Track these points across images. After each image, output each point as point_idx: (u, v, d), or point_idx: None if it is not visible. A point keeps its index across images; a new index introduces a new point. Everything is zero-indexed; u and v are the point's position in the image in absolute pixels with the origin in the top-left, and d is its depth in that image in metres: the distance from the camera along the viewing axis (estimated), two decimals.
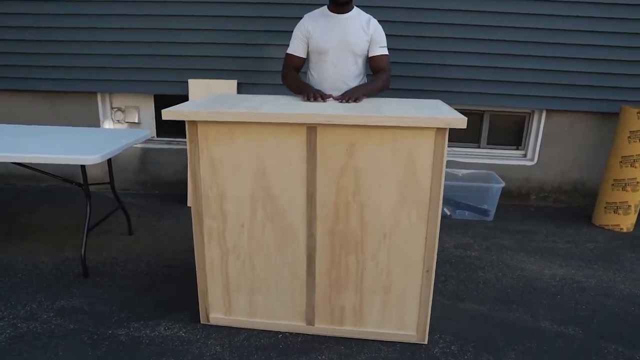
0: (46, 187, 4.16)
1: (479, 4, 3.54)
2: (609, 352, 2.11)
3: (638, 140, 3.30)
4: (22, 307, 2.34)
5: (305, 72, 2.74)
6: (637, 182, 3.38)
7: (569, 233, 3.47)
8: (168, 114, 1.91)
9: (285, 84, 2.64)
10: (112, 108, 4.12)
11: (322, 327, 2.16)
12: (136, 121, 4.11)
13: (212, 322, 2.22)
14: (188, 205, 3.81)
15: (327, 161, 1.91)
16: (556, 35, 3.57)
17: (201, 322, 2.23)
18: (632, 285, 2.72)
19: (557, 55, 3.61)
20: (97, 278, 2.64)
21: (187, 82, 3.80)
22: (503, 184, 3.59)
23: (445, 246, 3.15)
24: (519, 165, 3.99)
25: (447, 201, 3.63)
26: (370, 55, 2.58)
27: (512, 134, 4.07)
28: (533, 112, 3.94)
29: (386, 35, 2.59)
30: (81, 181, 2.67)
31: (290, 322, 2.17)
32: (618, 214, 3.49)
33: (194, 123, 1.93)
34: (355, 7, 2.58)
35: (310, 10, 2.64)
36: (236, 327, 2.20)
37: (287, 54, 2.65)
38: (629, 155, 3.35)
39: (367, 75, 2.71)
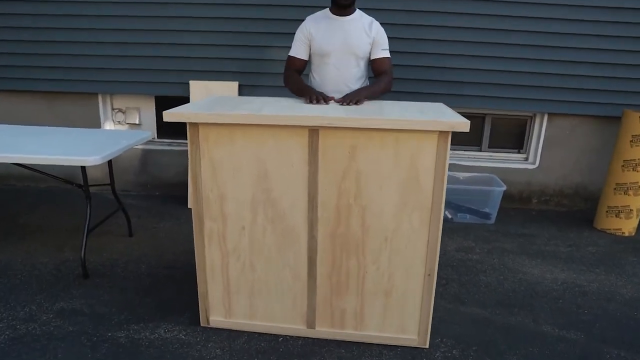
0: (46, 188, 4.15)
1: (481, 8, 3.54)
2: (611, 357, 2.10)
3: None
4: (21, 308, 2.33)
5: (307, 75, 2.73)
6: (639, 186, 3.37)
7: (570, 237, 3.46)
8: (169, 115, 1.90)
9: (287, 86, 2.63)
10: (113, 109, 4.12)
11: (323, 330, 2.14)
12: (137, 122, 4.10)
13: (212, 324, 2.21)
14: (188, 206, 3.80)
15: (329, 164, 1.91)
16: (558, 38, 3.56)
17: (201, 324, 2.22)
18: (634, 290, 2.71)
19: (559, 58, 3.61)
20: (97, 279, 2.63)
21: (188, 83, 3.79)
22: (504, 188, 3.58)
23: (446, 249, 3.14)
24: (520, 169, 3.98)
25: (448, 204, 3.62)
26: (373, 57, 2.57)
27: (513, 137, 4.07)
28: (535, 115, 3.93)
29: (388, 37, 2.59)
30: (81, 182, 2.66)
31: (290, 325, 2.16)
32: (620, 217, 3.48)
33: (195, 125, 1.93)
34: (357, 9, 2.58)
35: (312, 12, 2.64)
36: (236, 330, 2.19)
37: (289, 56, 2.65)
38: (631, 159, 3.34)
39: (369, 78, 2.70)
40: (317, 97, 2.28)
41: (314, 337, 2.15)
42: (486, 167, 3.95)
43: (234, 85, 3.77)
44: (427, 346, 2.11)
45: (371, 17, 2.58)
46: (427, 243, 1.95)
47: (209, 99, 2.35)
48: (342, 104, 2.23)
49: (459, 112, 2.05)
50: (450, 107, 2.29)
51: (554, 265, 2.98)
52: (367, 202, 1.93)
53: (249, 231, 2.04)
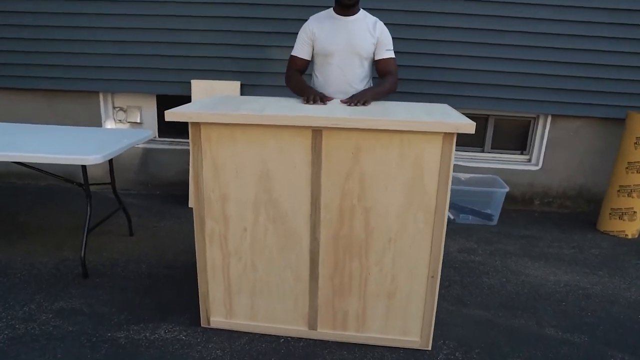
0: (46, 186, 4.13)
1: (484, 8, 3.52)
2: None
3: None
4: (20, 308, 2.31)
5: (310, 75, 2.71)
6: None
7: (573, 239, 3.44)
8: (171, 115, 1.88)
9: (288, 86, 2.61)
10: (114, 108, 4.10)
11: (325, 332, 2.13)
12: (138, 121, 4.09)
13: (213, 325, 2.19)
14: (189, 206, 3.78)
15: (332, 165, 1.89)
16: (562, 40, 3.54)
17: (202, 325, 2.20)
18: (638, 293, 2.69)
19: (563, 60, 3.59)
20: (97, 279, 2.61)
21: (189, 82, 3.77)
22: (507, 189, 3.56)
23: (449, 250, 3.12)
24: (523, 170, 3.96)
25: (450, 205, 3.59)
26: (377, 58, 2.56)
27: (516, 138, 4.05)
28: (538, 116, 3.91)
29: (391, 38, 2.57)
30: (82, 181, 2.64)
31: (292, 326, 2.14)
32: (623, 220, 3.46)
33: (197, 125, 1.91)
34: (361, 9, 2.56)
35: (313, 12, 2.62)
36: (237, 331, 2.17)
37: (291, 55, 2.63)
38: (635, 162, 3.32)
39: (373, 78, 2.68)
40: (315, 97, 2.26)
41: (315, 338, 2.13)
42: (489, 168, 3.93)
43: (236, 84, 3.75)
44: (429, 348, 2.09)
45: (375, 17, 2.56)
46: (430, 245, 1.94)
47: (211, 99, 2.33)
48: (349, 105, 2.21)
49: (461, 113, 2.03)
50: (453, 107, 2.27)
51: (557, 268, 2.96)
52: (370, 203, 1.91)
53: (251, 232, 2.02)
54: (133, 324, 2.21)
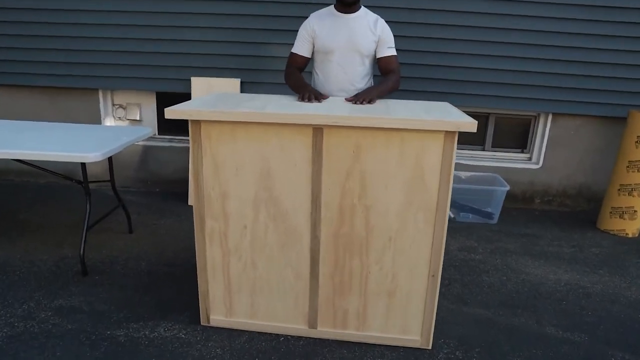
0: (45, 184, 4.12)
1: (484, 6, 3.50)
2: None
3: None
4: (20, 305, 2.31)
5: (310, 72, 2.70)
6: None
7: (573, 237, 3.44)
8: (171, 112, 1.87)
9: (287, 83, 2.60)
10: (113, 105, 4.09)
11: (325, 330, 2.12)
12: (138, 118, 4.07)
13: (213, 323, 2.19)
14: (189, 203, 3.77)
15: (333, 163, 1.88)
16: (563, 38, 3.53)
17: (201, 323, 2.20)
18: (638, 292, 2.69)
19: (564, 58, 3.58)
20: (97, 277, 2.60)
21: (189, 80, 3.76)
22: (508, 187, 3.56)
23: (449, 249, 3.11)
24: (523, 169, 3.95)
25: (451, 204, 3.57)
26: (379, 56, 2.54)
27: (517, 136, 4.04)
28: (539, 115, 3.90)
29: (393, 35, 2.56)
30: (81, 178, 2.63)
31: (292, 324, 2.14)
32: (624, 219, 3.45)
33: (197, 122, 1.90)
34: (362, 7, 2.55)
35: (313, 9, 2.60)
36: (237, 329, 2.16)
37: (291, 52, 2.62)
38: (636, 160, 3.31)
39: (374, 76, 2.67)
40: (309, 95, 2.24)
41: (315, 337, 2.13)
42: (489, 166, 3.92)
43: (236, 82, 3.74)
44: (429, 347, 2.08)
45: (376, 15, 2.54)
46: (431, 243, 1.93)
47: (211, 96, 2.32)
48: (354, 103, 2.20)
49: (463, 111, 2.02)
50: (454, 105, 2.26)
51: (558, 266, 2.96)
52: (371, 202, 1.91)
53: (251, 230, 2.02)
54: (132, 322, 2.21)
